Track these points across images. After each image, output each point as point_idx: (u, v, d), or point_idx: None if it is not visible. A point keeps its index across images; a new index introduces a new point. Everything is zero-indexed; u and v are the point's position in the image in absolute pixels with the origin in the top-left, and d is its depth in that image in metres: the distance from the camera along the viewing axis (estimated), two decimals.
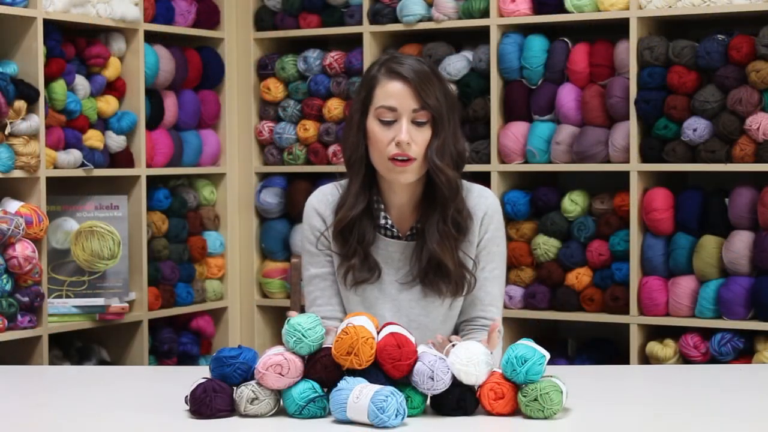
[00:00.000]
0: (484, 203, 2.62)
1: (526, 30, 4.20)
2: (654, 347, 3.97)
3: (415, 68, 2.53)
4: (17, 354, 3.80)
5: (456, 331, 2.67)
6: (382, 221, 2.61)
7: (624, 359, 4.10)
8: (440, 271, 2.57)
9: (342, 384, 2.08)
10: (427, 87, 2.52)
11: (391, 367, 2.12)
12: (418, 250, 2.59)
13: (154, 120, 4.30)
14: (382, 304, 2.61)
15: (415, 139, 2.51)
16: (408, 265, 2.61)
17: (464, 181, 2.63)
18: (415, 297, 2.62)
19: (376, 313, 2.57)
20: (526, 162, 4.19)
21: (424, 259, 2.58)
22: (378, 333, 2.17)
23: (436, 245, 2.55)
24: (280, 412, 2.15)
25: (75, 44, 4.00)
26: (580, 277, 4.12)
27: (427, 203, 2.59)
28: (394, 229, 2.61)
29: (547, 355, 2.12)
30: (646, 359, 4.01)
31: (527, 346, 2.12)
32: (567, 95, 4.11)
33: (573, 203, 4.13)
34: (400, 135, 2.51)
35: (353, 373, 2.11)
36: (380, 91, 2.54)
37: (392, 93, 2.52)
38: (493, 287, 2.63)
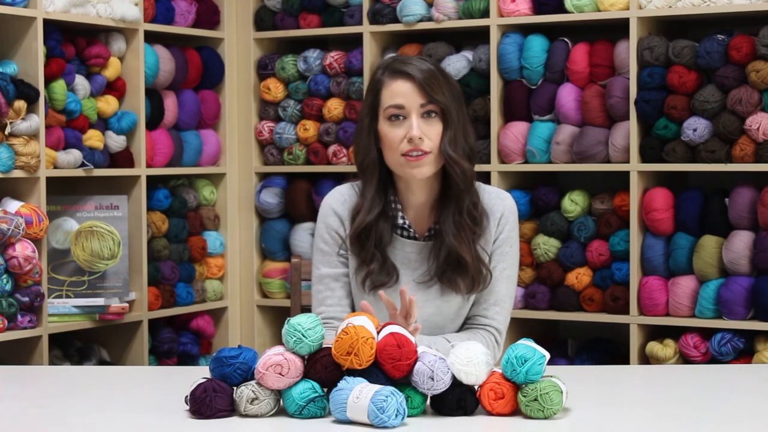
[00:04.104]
0: (502, 204, 2.67)
1: (526, 30, 4.20)
2: (654, 347, 3.97)
3: (420, 67, 2.56)
4: (17, 354, 3.80)
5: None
6: (400, 221, 2.62)
7: (624, 359, 4.10)
8: (459, 267, 2.58)
9: (342, 384, 2.08)
10: (432, 83, 2.54)
11: (391, 367, 2.12)
12: (437, 248, 2.60)
13: (154, 120, 4.30)
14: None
15: (427, 133, 2.54)
16: (425, 264, 2.62)
17: (480, 183, 2.67)
18: (430, 296, 2.62)
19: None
20: (526, 162, 4.19)
21: (443, 256, 2.59)
22: (378, 333, 2.17)
23: (453, 238, 2.57)
24: (280, 412, 2.15)
25: (75, 44, 4.00)
26: (580, 277, 4.11)
27: (444, 202, 2.61)
28: (411, 230, 2.62)
29: (547, 355, 2.12)
30: (646, 359, 4.01)
31: (527, 346, 2.12)
32: (567, 95, 4.11)
33: (573, 203, 4.13)
34: (412, 131, 2.53)
35: (353, 373, 2.11)
36: (386, 92, 2.56)
37: (398, 92, 2.55)
38: (500, 287, 2.64)
